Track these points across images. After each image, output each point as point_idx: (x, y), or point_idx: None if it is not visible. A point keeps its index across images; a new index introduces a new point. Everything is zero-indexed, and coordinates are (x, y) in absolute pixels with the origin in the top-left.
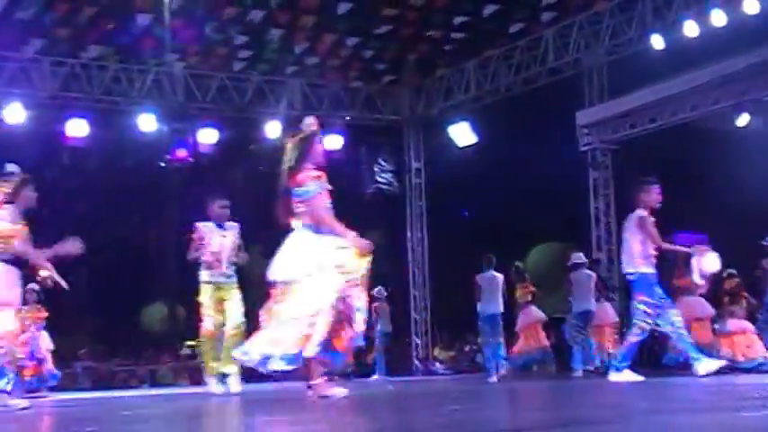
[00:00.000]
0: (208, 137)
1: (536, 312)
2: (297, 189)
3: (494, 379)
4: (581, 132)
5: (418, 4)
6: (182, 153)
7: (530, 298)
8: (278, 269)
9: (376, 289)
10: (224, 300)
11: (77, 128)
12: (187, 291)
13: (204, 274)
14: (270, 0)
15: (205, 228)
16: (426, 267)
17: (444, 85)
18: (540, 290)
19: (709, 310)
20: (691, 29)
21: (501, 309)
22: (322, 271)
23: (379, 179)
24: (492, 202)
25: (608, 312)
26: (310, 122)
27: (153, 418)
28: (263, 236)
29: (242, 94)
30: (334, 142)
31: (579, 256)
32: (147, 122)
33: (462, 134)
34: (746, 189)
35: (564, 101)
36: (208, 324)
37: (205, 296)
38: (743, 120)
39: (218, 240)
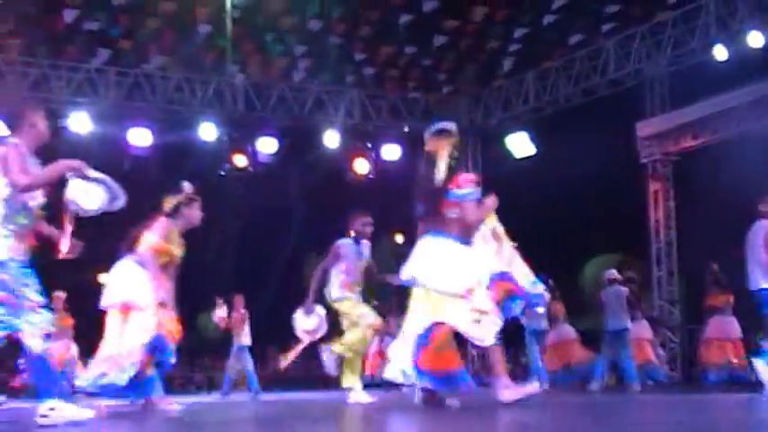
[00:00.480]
0: (267, 146)
1: (567, 330)
2: (456, 190)
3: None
4: (641, 144)
5: (477, 16)
6: (241, 161)
7: (561, 316)
8: (420, 273)
9: None
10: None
11: (140, 136)
12: (245, 298)
13: (337, 291)
14: (330, 10)
15: (346, 246)
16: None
17: (503, 96)
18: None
19: (739, 330)
20: (755, 39)
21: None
22: (457, 287)
23: None
24: (550, 214)
25: (644, 328)
26: (454, 127)
27: (227, 423)
28: (318, 244)
29: (301, 104)
30: (391, 152)
31: (612, 273)
32: (208, 131)
33: (520, 145)
34: None
35: (624, 112)
36: (358, 334)
37: (349, 305)
38: None
39: (355, 259)
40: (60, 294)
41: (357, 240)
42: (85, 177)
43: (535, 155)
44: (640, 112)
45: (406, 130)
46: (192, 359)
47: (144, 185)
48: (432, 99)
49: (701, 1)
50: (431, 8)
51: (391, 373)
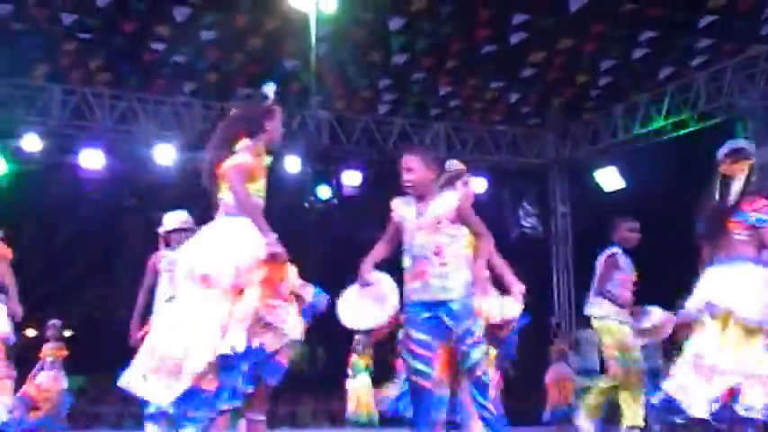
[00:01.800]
0: (351, 179)
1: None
2: (752, 213)
3: None
4: None
5: (565, 49)
6: (325, 194)
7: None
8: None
9: None
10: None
11: None
12: (328, 332)
13: (612, 310)
14: (414, 44)
15: (620, 255)
16: (573, 313)
17: (591, 129)
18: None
19: None
20: None
21: None
22: None
23: (524, 223)
24: (640, 249)
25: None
26: (751, 147)
27: None
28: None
29: (386, 137)
30: (478, 185)
31: None
32: (293, 164)
33: (609, 179)
34: None
35: (716, 146)
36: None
37: (616, 335)
38: None
39: (629, 271)
40: (57, 323)
41: (625, 249)
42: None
43: (625, 189)
44: None
45: (492, 162)
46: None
47: None
48: (518, 132)
49: None
50: (517, 40)
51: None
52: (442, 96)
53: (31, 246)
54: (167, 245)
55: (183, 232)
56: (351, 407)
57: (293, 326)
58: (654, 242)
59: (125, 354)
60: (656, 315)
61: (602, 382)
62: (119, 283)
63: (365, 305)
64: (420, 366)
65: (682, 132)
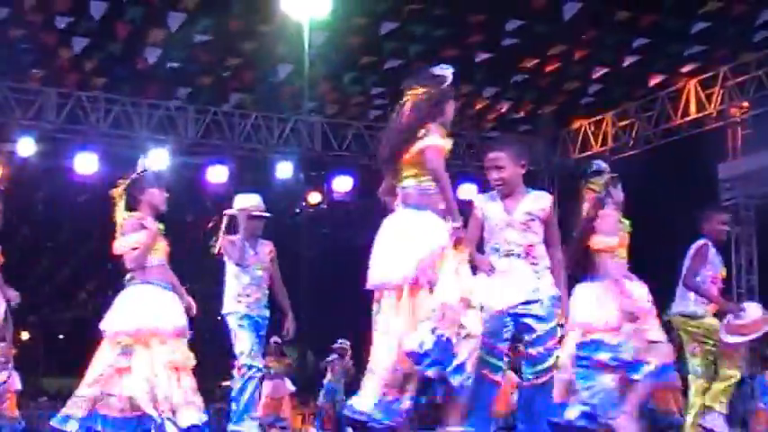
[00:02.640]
0: (342, 184)
1: None
2: None
3: None
4: (723, 186)
5: (557, 56)
6: (315, 199)
7: None
8: None
9: None
10: None
11: (217, 174)
12: (318, 337)
13: (700, 307)
14: (407, 49)
15: (710, 248)
16: None
17: (581, 136)
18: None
19: None
20: None
21: None
22: None
23: None
24: (630, 255)
25: None
26: None
27: None
28: None
29: (377, 143)
30: (468, 191)
31: None
32: (285, 170)
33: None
34: None
35: (706, 153)
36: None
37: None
38: None
39: (719, 267)
40: None
41: (714, 242)
42: None
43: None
44: (722, 153)
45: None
46: None
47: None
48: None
49: None
50: (509, 45)
51: None
52: None
53: (26, 249)
54: (232, 230)
55: (259, 219)
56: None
57: (473, 321)
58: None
59: None
60: (753, 311)
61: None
62: (111, 287)
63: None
64: (493, 360)
65: (672, 139)
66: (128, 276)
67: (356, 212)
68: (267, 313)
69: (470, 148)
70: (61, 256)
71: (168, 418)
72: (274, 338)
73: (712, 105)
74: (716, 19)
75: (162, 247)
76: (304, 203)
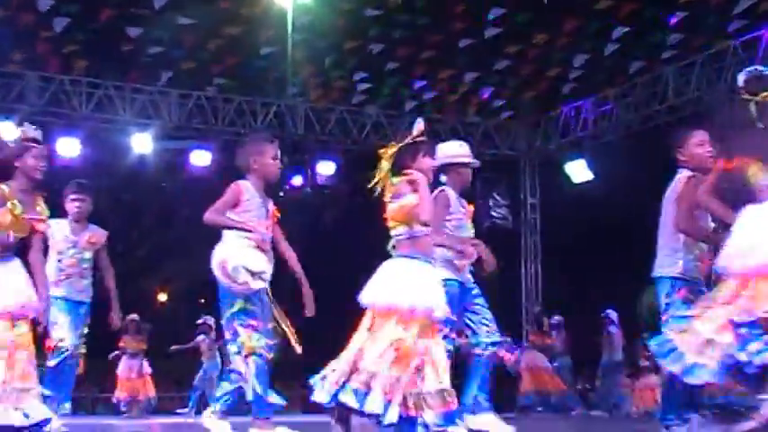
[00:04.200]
0: (325, 168)
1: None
2: None
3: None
4: None
5: (539, 43)
6: (298, 182)
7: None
8: None
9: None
10: None
11: (201, 158)
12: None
13: None
14: (390, 34)
15: None
16: (540, 300)
17: (562, 122)
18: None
19: None
20: None
21: None
22: None
23: (494, 214)
24: (607, 240)
25: None
26: None
27: None
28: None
29: (360, 128)
30: None
31: None
32: None
33: (578, 171)
34: None
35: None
36: None
37: None
38: None
39: None
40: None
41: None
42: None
43: (593, 181)
44: None
45: None
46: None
47: (203, 204)
48: (491, 124)
49: (762, 30)
50: (492, 34)
51: None
52: (416, 88)
53: None
54: (439, 181)
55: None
56: None
57: None
58: (619, 233)
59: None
60: None
61: None
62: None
63: None
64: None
65: (650, 126)
66: None
67: (339, 196)
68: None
69: (452, 133)
70: None
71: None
72: (132, 316)
73: (690, 92)
74: (693, 8)
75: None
76: (287, 187)
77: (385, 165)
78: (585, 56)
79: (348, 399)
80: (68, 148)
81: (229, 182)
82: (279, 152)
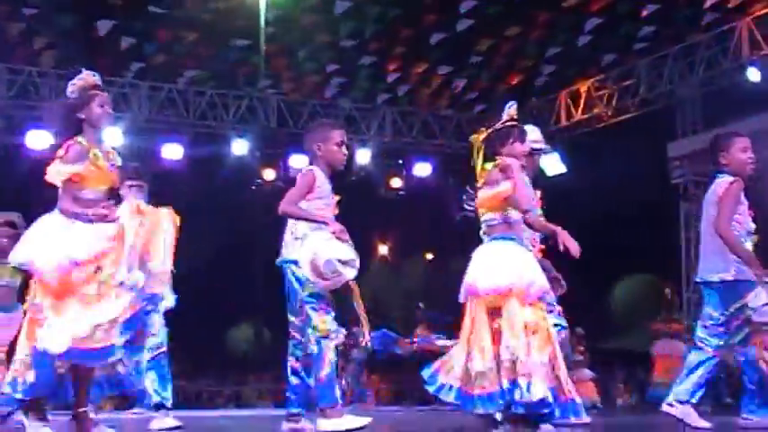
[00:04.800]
0: (298, 162)
1: None
2: None
3: None
4: (673, 164)
5: (512, 35)
6: (270, 176)
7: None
8: None
9: None
10: None
11: (173, 151)
12: (273, 313)
13: None
14: (363, 28)
15: None
16: None
17: (534, 115)
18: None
19: None
20: None
21: None
22: None
23: (466, 207)
24: (581, 233)
25: None
26: None
27: None
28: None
29: (333, 120)
30: (422, 169)
31: None
32: (240, 147)
33: (552, 164)
34: None
35: (657, 132)
36: None
37: None
38: None
39: None
40: None
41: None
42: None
43: (567, 174)
44: (672, 132)
45: (437, 146)
46: (225, 373)
47: (175, 198)
48: (464, 118)
49: (734, 23)
50: (465, 26)
51: None
52: (389, 81)
53: None
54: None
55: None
56: None
57: None
58: (593, 224)
59: None
60: None
61: None
62: None
63: None
64: None
65: (623, 118)
66: None
67: None
68: None
69: (425, 126)
70: None
71: None
72: None
73: (663, 85)
74: (666, 1)
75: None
76: (259, 180)
77: (477, 150)
78: (558, 49)
79: (517, 396)
80: (37, 140)
81: (201, 174)
82: (345, 138)
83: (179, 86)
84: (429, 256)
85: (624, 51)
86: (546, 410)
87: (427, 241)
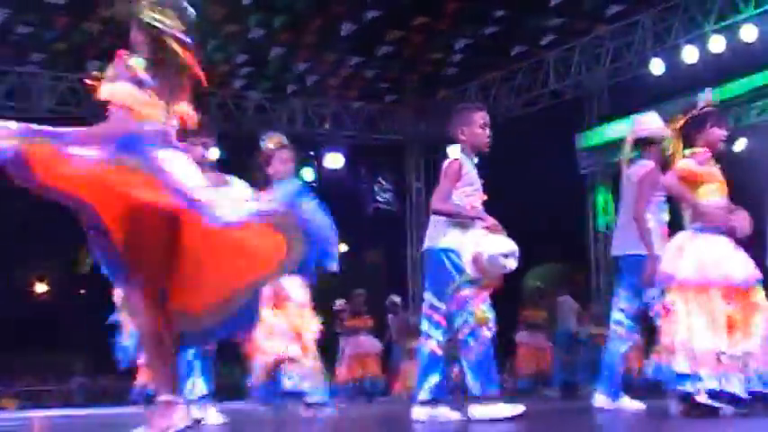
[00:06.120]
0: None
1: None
2: None
3: None
4: (580, 155)
5: (421, 26)
6: None
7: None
8: None
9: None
10: None
11: None
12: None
13: None
14: (272, 19)
15: None
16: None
17: (446, 106)
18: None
19: None
20: (689, 54)
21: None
22: None
23: (379, 198)
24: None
25: None
26: None
27: None
28: None
29: (242, 112)
30: (334, 161)
31: None
32: None
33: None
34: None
35: (565, 123)
36: None
37: None
38: (740, 144)
39: None
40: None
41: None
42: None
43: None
44: (580, 123)
45: (348, 138)
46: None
47: None
48: (375, 109)
49: (638, 16)
50: (373, 17)
51: None
52: (299, 72)
53: None
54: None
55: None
56: None
57: None
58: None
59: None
60: None
61: None
62: None
63: None
64: None
65: (532, 110)
66: None
67: None
68: None
69: (336, 117)
70: None
71: None
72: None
73: (570, 76)
74: None
75: None
76: None
77: (674, 136)
78: (467, 40)
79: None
80: None
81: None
82: (488, 119)
83: (82, 76)
84: (343, 248)
85: (532, 43)
86: None
87: (340, 233)
